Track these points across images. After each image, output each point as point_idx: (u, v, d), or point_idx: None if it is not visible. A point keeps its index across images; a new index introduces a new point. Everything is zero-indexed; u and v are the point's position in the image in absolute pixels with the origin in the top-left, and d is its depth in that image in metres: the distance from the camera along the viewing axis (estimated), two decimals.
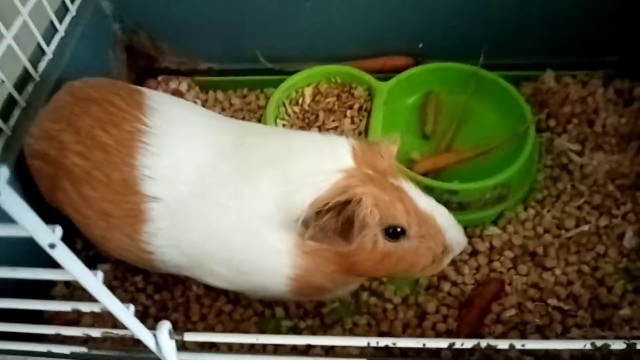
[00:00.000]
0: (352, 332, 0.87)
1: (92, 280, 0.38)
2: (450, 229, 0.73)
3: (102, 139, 0.74)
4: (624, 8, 1.08)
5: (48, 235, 0.33)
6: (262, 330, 0.89)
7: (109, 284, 0.94)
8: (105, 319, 0.90)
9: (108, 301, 0.41)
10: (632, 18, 1.09)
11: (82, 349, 0.58)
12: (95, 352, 0.59)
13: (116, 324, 0.87)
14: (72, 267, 0.35)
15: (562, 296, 0.87)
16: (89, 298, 0.93)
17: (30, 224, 0.32)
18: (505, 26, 1.12)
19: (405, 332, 0.87)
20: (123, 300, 0.95)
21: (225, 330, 0.89)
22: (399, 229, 0.69)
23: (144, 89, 0.83)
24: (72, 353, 0.59)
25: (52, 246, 0.33)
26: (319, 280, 0.75)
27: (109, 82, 0.85)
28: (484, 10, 1.10)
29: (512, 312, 0.86)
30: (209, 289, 0.93)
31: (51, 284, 0.95)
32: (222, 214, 0.72)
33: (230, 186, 0.72)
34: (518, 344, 0.48)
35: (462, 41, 1.13)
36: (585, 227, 0.95)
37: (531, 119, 1.00)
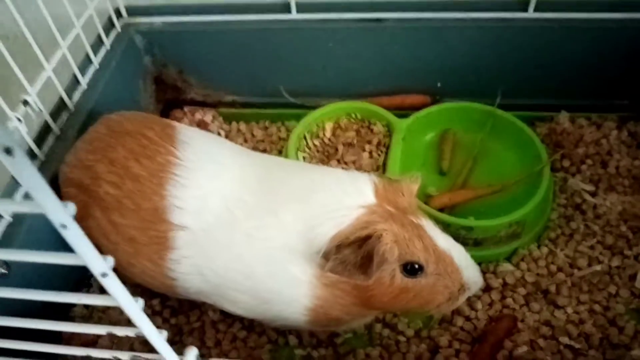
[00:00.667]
0: (368, 356, 0.89)
1: (134, 307, 0.41)
2: (467, 268, 0.75)
3: (135, 169, 0.78)
4: (635, 54, 1.12)
5: (101, 265, 0.36)
6: (275, 358, 0.91)
7: None
8: (123, 342, 0.93)
9: (145, 326, 0.44)
10: None
11: None
12: None
13: (134, 348, 0.91)
14: (119, 295, 0.39)
15: (573, 335, 0.88)
16: (109, 320, 0.96)
17: (86, 255, 0.35)
18: (521, 68, 1.16)
19: None
20: None
21: (239, 356, 0.91)
22: (416, 266, 0.71)
23: (175, 123, 0.87)
24: None
25: (104, 275, 0.36)
26: (337, 312, 0.77)
27: (143, 116, 0.89)
28: (500, 52, 1.14)
29: (524, 349, 0.87)
30: (225, 314, 0.95)
31: (71, 305, 0.98)
32: (246, 244, 0.74)
33: (255, 218, 0.75)
34: None
35: (479, 81, 1.17)
36: (598, 267, 0.96)
37: (546, 160, 1.03)
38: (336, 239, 0.69)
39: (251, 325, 0.95)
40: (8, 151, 0.28)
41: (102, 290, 1.01)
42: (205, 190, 0.77)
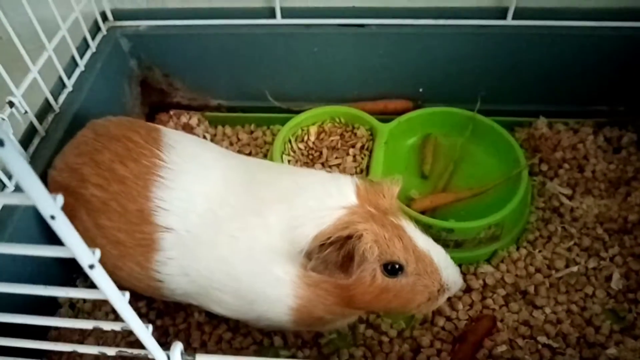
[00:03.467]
0: (352, 356, 0.90)
1: (121, 299, 0.42)
2: (447, 268, 0.76)
3: (121, 172, 0.79)
4: (613, 62, 1.15)
5: (89, 256, 0.37)
6: None
7: (112, 309, 0.97)
8: (109, 342, 0.93)
9: (131, 319, 0.44)
10: (621, 71, 1.16)
11: None
12: None
13: (119, 346, 0.91)
14: (106, 287, 0.39)
15: (551, 334, 0.91)
16: (95, 322, 0.95)
17: (75, 247, 0.36)
18: (500, 74, 1.19)
19: None
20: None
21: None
22: (397, 266, 0.73)
23: (161, 127, 0.88)
24: None
25: (91, 267, 0.37)
26: (319, 312, 0.78)
27: (129, 121, 0.90)
28: (480, 59, 1.17)
29: (503, 348, 0.89)
30: (210, 316, 0.96)
31: (57, 305, 0.98)
32: (231, 244, 0.75)
33: (239, 218, 0.76)
34: None
35: (460, 87, 1.20)
36: (575, 268, 0.99)
37: (525, 164, 1.05)
38: (318, 238, 0.71)
39: (237, 327, 0.95)
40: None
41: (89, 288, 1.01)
42: (190, 192, 0.78)
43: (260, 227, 0.75)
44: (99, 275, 0.38)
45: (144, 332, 0.47)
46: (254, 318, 0.82)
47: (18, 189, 0.86)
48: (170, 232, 0.77)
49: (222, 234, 0.76)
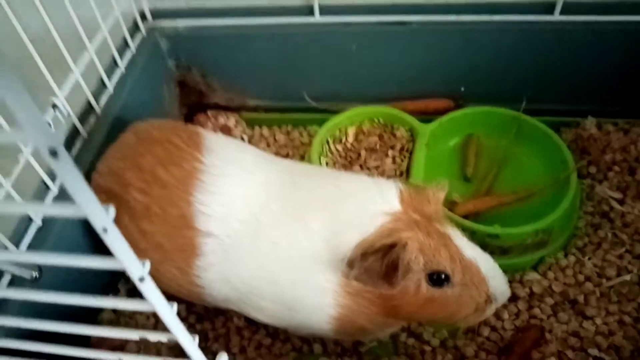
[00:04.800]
0: None
1: (169, 311, 0.40)
2: (494, 278, 0.74)
3: (162, 176, 0.78)
4: None
5: (139, 269, 0.36)
6: None
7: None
8: (150, 348, 0.93)
9: (179, 331, 0.43)
10: None
11: None
12: None
13: (161, 354, 0.90)
14: (155, 300, 0.38)
15: (603, 346, 0.87)
16: (136, 325, 0.96)
17: (125, 259, 0.35)
18: (546, 72, 1.15)
19: None
20: (166, 329, 0.97)
21: None
22: (442, 276, 0.70)
23: (201, 130, 0.87)
24: None
25: (141, 279, 0.36)
26: (361, 321, 0.76)
27: (170, 124, 0.90)
28: (525, 56, 1.13)
29: None
30: (250, 321, 0.95)
31: (99, 310, 0.99)
32: (272, 251, 0.74)
33: (281, 225, 0.75)
34: None
35: (504, 86, 1.16)
36: (627, 277, 0.94)
37: (574, 166, 1.01)
38: (361, 246, 0.69)
39: (276, 333, 0.94)
40: (54, 153, 0.28)
41: (129, 295, 1.01)
42: (231, 196, 0.77)
43: (302, 233, 0.73)
44: (148, 288, 0.37)
45: (190, 343, 0.45)
46: (294, 325, 0.81)
47: (63, 192, 0.87)
48: (211, 237, 0.76)
49: (263, 240, 0.75)
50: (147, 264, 0.37)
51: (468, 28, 1.11)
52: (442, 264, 0.70)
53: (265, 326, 0.94)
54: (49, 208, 0.33)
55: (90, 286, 0.93)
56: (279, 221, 0.75)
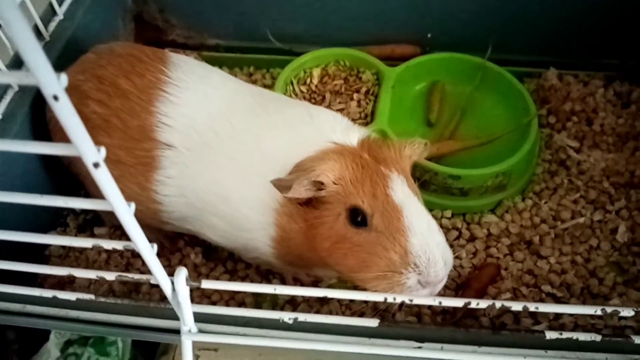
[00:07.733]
0: (348, 307, 0.88)
1: (126, 209, 0.38)
2: (424, 236, 0.65)
3: (124, 85, 0.76)
4: (627, 14, 1.11)
5: (94, 154, 0.33)
6: (258, 302, 0.89)
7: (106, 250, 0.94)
8: (102, 281, 0.90)
9: (137, 236, 0.41)
10: (635, 25, 1.12)
11: (90, 296, 0.58)
12: (102, 299, 0.59)
13: (112, 285, 0.88)
14: (109, 190, 0.36)
15: (555, 284, 0.89)
16: (86, 260, 0.92)
17: (79, 137, 0.32)
18: (511, 22, 1.15)
19: (400, 309, 0.88)
20: (118, 266, 0.94)
21: (222, 299, 0.89)
22: (360, 217, 0.67)
23: (167, 51, 0.85)
24: (78, 300, 0.59)
25: (96, 165, 0.33)
26: (295, 248, 0.74)
27: (134, 44, 0.88)
28: (492, 5, 1.12)
29: (507, 295, 0.87)
30: (207, 258, 0.94)
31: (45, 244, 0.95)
32: (228, 165, 0.74)
33: (239, 141, 0.74)
34: (531, 307, 0.49)
35: (470, 33, 1.15)
36: (581, 220, 0.97)
37: (535, 112, 1.02)
38: (297, 166, 0.69)
39: (234, 270, 0.93)
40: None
41: (79, 230, 0.98)
42: (194, 108, 0.76)
43: (256, 151, 0.73)
44: (103, 176, 0.34)
45: (149, 251, 0.43)
46: (242, 246, 0.80)
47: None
48: (170, 150, 0.75)
49: (221, 154, 0.74)
50: (103, 150, 0.34)
51: None
52: (361, 198, 0.66)
53: (223, 263, 0.93)
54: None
55: (38, 219, 0.89)
56: (238, 137, 0.74)
